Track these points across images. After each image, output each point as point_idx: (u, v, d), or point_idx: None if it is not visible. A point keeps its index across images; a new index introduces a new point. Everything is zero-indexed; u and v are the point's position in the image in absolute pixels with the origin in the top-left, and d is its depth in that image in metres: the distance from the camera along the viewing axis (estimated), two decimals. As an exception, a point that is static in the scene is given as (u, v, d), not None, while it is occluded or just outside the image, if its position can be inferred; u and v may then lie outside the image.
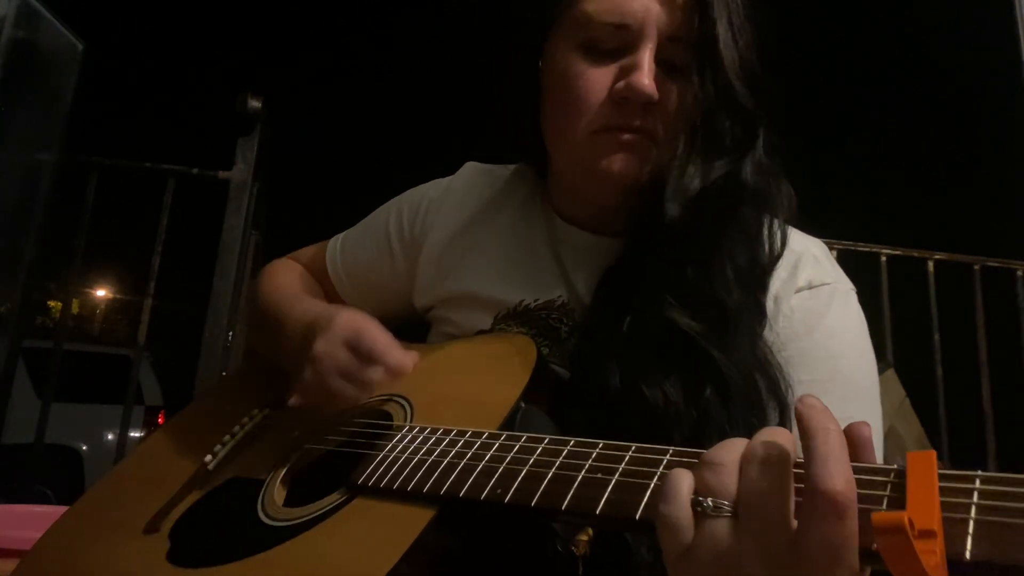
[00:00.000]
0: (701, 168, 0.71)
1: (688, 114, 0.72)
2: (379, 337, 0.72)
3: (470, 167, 0.96)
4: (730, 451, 0.44)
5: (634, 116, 0.72)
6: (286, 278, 1.00)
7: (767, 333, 0.71)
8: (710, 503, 0.42)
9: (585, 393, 0.68)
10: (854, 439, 0.43)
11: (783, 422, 0.66)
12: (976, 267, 2.70)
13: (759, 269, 0.72)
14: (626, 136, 0.72)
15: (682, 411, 0.63)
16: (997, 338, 2.70)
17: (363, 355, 0.71)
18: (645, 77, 0.70)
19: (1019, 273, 2.74)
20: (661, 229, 0.70)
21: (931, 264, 2.66)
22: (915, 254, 2.68)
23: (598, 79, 0.73)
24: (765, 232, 0.74)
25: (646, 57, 0.71)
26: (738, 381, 0.64)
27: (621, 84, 0.71)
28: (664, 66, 0.72)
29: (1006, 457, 2.65)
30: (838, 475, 0.39)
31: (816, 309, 0.73)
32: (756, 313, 0.70)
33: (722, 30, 0.69)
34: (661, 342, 0.66)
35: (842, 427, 0.68)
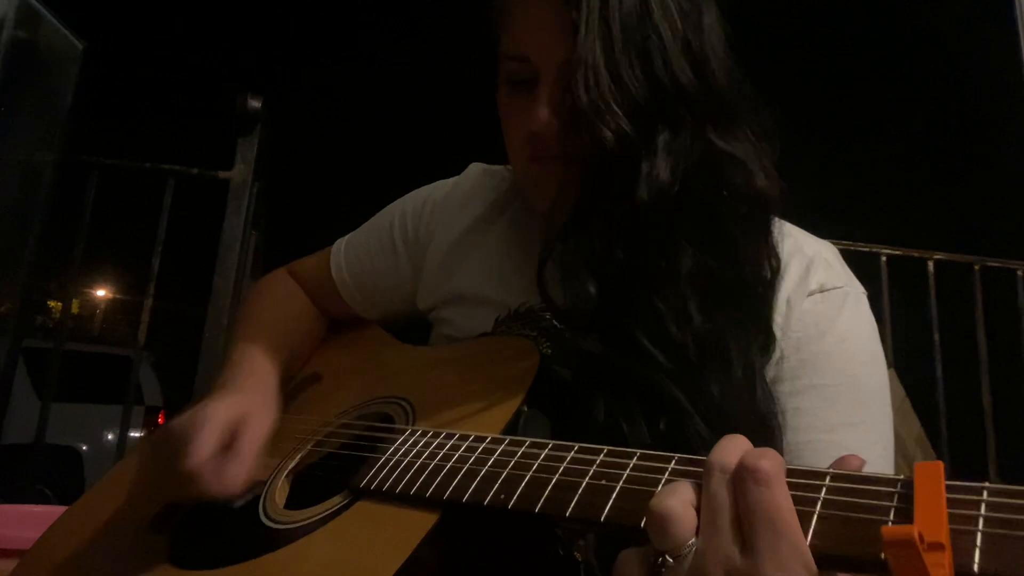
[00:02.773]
0: (588, 198, 0.71)
1: None
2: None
3: (475, 168, 0.96)
4: (672, 496, 0.45)
5: (545, 145, 0.73)
6: (266, 304, 1.00)
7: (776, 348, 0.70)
8: (669, 559, 0.43)
9: (576, 418, 0.67)
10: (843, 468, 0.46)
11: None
12: (976, 267, 2.70)
13: (757, 287, 0.70)
14: (546, 163, 0.74)
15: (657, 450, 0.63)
16: (997, 338, 2.70)
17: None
18: (540, 111, 0.71)
19: (1019, 273, 2.74)
20: (590, 261, 0.70)
21: (931, 264, 2.66)
22: (915, 254, 2.69)
23: (518, 111, 0.75)
24: (759, 242, 0.72)
25: (544, 88, 0.72)
26: (701, 429, 0.62)
27: (526, 118, 0.73)
28: (569, 88, 0.70)
29: (1006, 457, 2.65)
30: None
31: (828, 313, 0.72)
32: (753, 342, 0.68)
33: (584, 52, 0.67)
34: (638, 380, 0.65)
35: (852, 431, 0.68)
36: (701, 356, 0.65)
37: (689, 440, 0.62)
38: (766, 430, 0.65)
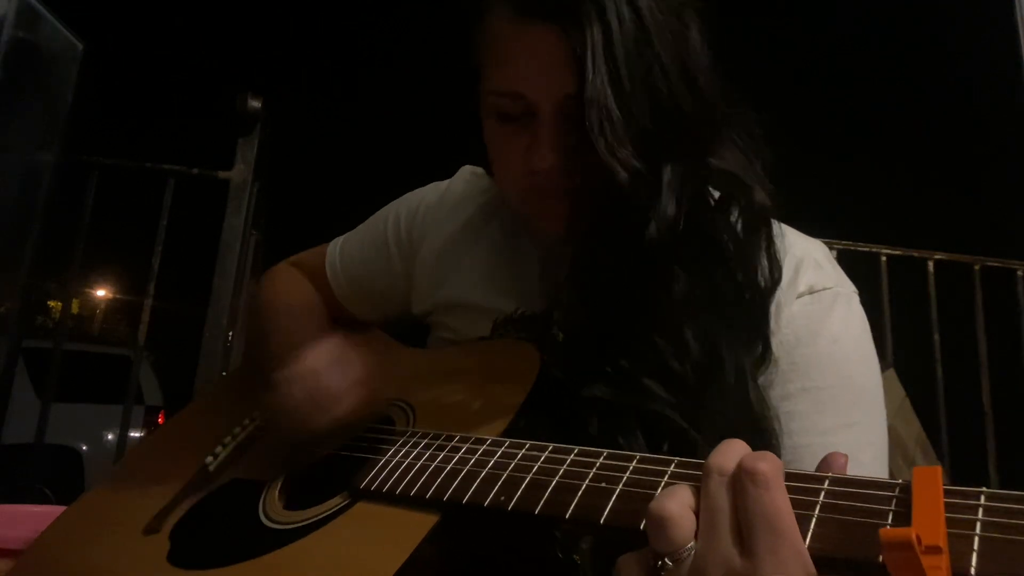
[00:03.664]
0: (594, 236, 0.70)
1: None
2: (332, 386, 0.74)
3: (466, 171, 0.96)
4: (671, 499, 0.45)
5: (549, 179, 0.71)
6: (285, 290, 1.00)
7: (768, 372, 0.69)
8: (668, 563, 0.43)
9: (574, 426, 0.66)
10: (827, 467, 0.47)
11: None
12: (976, 267, 2.70)
13: (756, 299, 0.70)
14: (548, 198, 0.72)
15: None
16: (997, 338, 2.69)
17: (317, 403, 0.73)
18: (542, 151, 0.69)
19: (1019, 273, 2.74)
20: (593, 297, 0.70)
21: (931, 264, 2.66)
22: (915, 254, 2.68)
23: (513, 146, 0.72)
24: (758, 254, 0.71)
25: (544, 127, 0.69)
26: (705, 449, 0.62)
27: (527, 156, 0.71)
28: (571, 122, 0.68)
29: (1006, 457, 2.65)
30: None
31: (819, 314, 0.72)
32: (748, 355, 0.67)
33: (593, 90, 0.64)
34: (635, 404, 0.65)
35: (845, 433, 0.68)
36: (700, 381, 0.65)
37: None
38: (763, 435, 0.65)
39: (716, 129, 0.71)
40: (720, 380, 0.65)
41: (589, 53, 0.64)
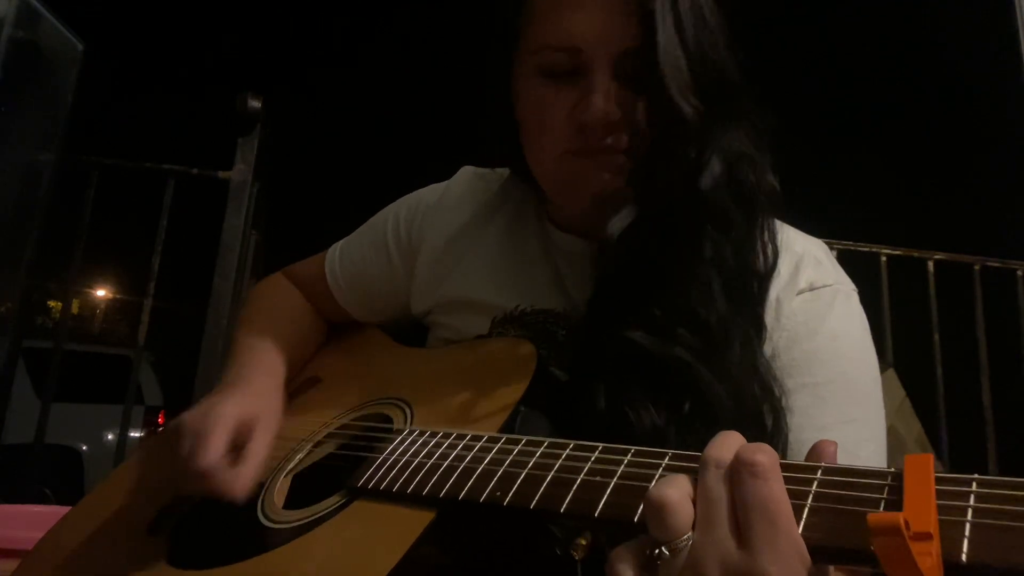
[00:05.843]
0: (654, 181, 0.70)
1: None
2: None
3: (466, 171, 0.96)
4: (671, 486, 0.45)
5: (598, 137, 0.71)
6: (266, 307, 1.00)
7: (767, 344, 0.70)
8: (665, 552, 0.43)
9: (576, 409, 0.67)
10: (818, 455, 0.46)
11: (776, 439, 0.65)
12: (976, 267, 2.70)
13: (755, 279, 0.71)
14: (595, 156, 0.73)
15: (667, 433, 0.62)
16: (997, 338, 2.70)
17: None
18: (599, 101, 0.70)
19: (1019, 273, 2.74)
20: (638, 246, 0.71)
21: (931, 264, 2.66)
22: (915, 254, 2.69)
23: (559, 103, 0.72)
24: (759, 237, 0.72)
25: (599, 79, 0.70)
26: (726, 403, 0.63)
27: (578, 109, 0.71)
28: (624, 79, 0.71)
29: (1006, 457, 2.65)
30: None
31: (818, 311, 0.72)
32: (752, 327, 0.68)
33: (664, 38, 0.67)
34: (646, 365, 0.65)
35: (844, 429, 0.68)
36: (724, 337, 0.66)
37: (716, 417, 0.62)
38: (772, 410, 0.65)
39: (745, 107, 0.73)
40: (733, 340, 0.66)
41: (659, 5, 0.67)
